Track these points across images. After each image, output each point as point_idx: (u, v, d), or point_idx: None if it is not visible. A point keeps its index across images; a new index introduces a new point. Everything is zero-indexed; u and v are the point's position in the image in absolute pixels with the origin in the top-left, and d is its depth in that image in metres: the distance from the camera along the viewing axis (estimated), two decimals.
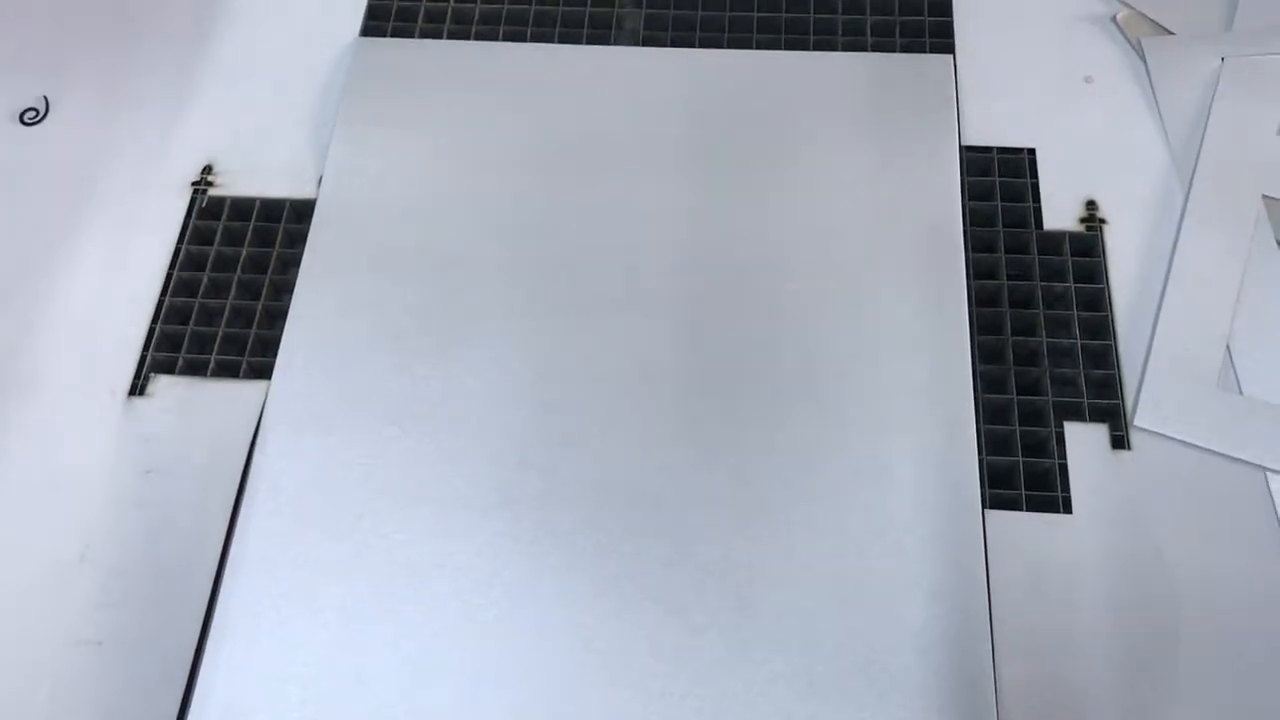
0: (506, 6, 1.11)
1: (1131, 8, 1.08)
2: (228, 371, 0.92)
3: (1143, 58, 1.05)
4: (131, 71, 1.08)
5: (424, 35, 1.10)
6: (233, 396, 0.91)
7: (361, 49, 1.07)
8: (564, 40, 1.09)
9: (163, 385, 0.92)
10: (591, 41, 1.09)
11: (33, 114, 1.05)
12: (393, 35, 1.10)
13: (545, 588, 0.82)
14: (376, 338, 0.92)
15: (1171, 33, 1.06)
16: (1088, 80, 1.05)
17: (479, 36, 1.09)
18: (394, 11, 1.11)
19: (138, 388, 0.92)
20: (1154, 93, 1.03)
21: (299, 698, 0.79)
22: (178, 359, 0.93)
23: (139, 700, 0.80)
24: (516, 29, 1.10)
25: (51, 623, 0.83)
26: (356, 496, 0.86)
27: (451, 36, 1.10)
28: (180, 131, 1.05)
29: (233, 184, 1.01)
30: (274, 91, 1.07)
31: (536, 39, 1.09)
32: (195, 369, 0.93)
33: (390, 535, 0.84)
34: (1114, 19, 1.08)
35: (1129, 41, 1.06)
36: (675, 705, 0.78)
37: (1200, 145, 1.00)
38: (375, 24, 1.10)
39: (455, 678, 0.80)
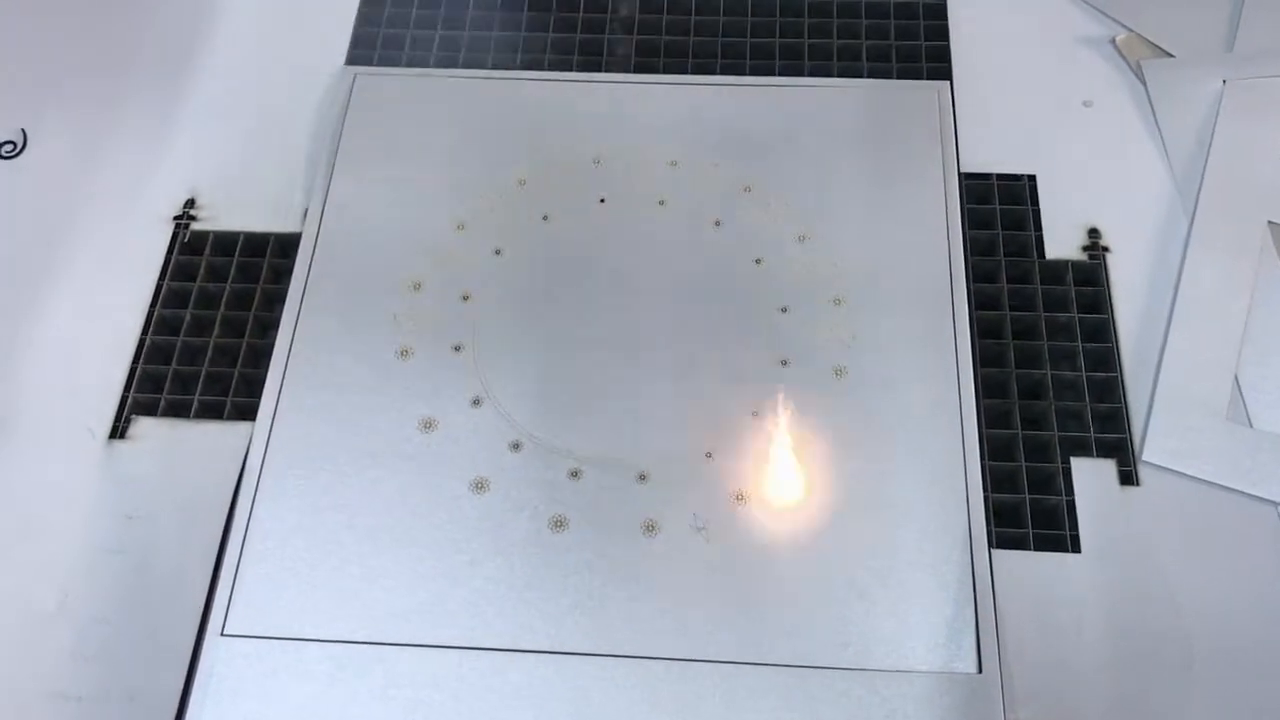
0: (495, 34, 1.09)
1: (1131, 30, 1.06)
2: (211, 412, 0.90)
3: (1143, 81, 1.03)
4: (112, 103, 1.05)
5: (411, 64, 1.07)
6: (216, 439, 0.88)
7: (360, 80, 1.05)
8: (554, 68, 1.07)
9: (144, 427, 0.89)
10: (582, 69, 1.07)
11: (10, 147, 1.03)
12: (379, 64, 1.07)
13: (538, 634, 0.80)
14: (364, 377, 0.89)
15: (1172, 55, 1.05)
16: (1087, 104, 1.03)
17: (467, 64, 1.07)
18: (380, 40, 1.09)
19: (118, 430, 0.89)
20: (1155, 117, 1.01)
21: None
22: (159, 400, 0.90)
23: None
24: (505, 56, 1.08)
25: (28, 676, 0.80)
26: (344, 541, 0.83)
27: (439, 65, 1.07)
28: (161, 164, 1.02)
29: (215, 218, 0.99)
30: (257, 123, 1.04)
31: (526, 66, 1.07)
32: (177, 410, 0.90)
33: (379, 581, 0.82)
34: (1113, 41, 1.06)
35: (1129, 64, 1.05)
36: None
37: (1203, 170, 0.98)
38: (360, 52, 1.08)
39: None
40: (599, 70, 1.07)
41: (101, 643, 0.81)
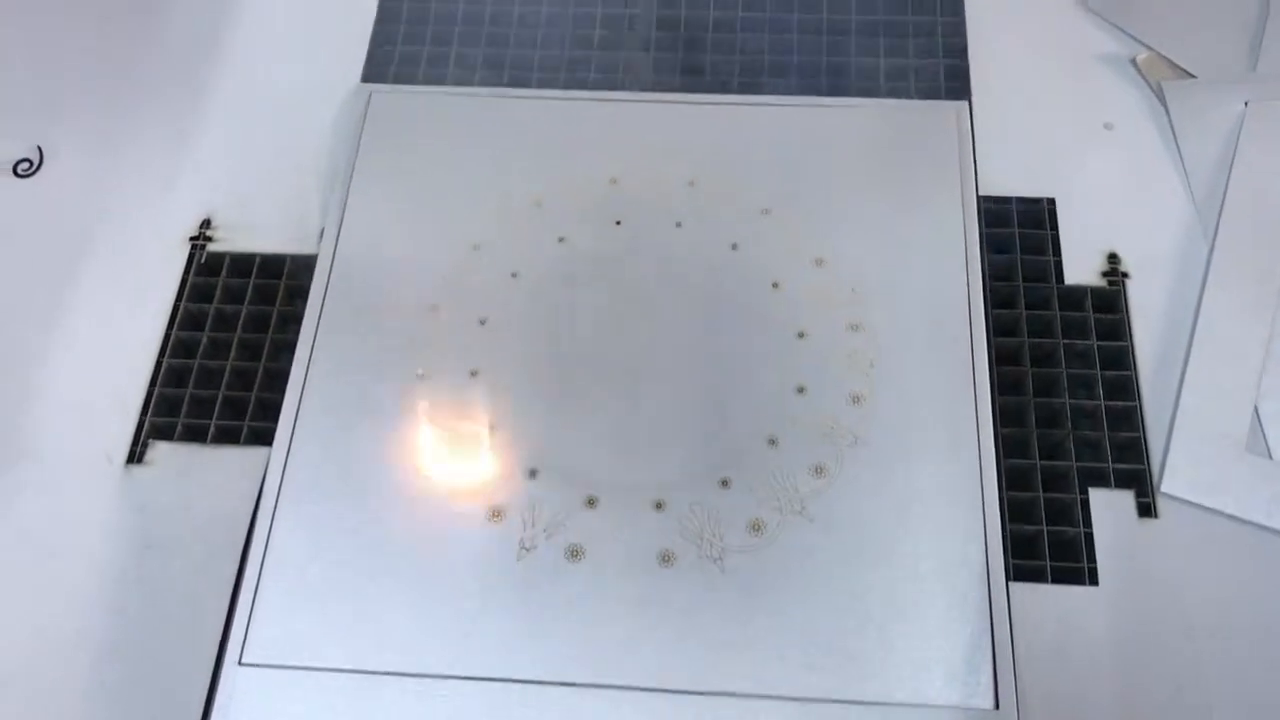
0: (511, 51, 1.08)
1: (1152, 49, 1.05)
2: (228, 437, 0.90)
3: (1164, 103, 1.02)
4: (128, 121, 1.05)
5: (427, 81, 1.07)
6: (233, 464, 0.89)
7: (376, 98, 1.04)
8: (569, 86, 1.07)
9: (161, 452, 0.89)
10: (598, 87, 1.06)
11: (26, 165, 1.03)
12: (395, 82, 1.07)
13: (555, 665, 0.80)
14: (381, 403, 0.89)
15: (1193, 76, 1.04)
16: (1108, 126, 1.02)
17: (482, 82, 1.07)
18: (396, 57, 1.08)
19: (136, 455, 0.89)
20: (1176, 139, 1.01)
21: None
22: (176, 424, 0.90)
23: None
24: (521, 74, 1.07)
25: (47, 706, 0.80)
26: (361, 570, 0.83)
27: (455, 82, 1.07)
28: (178, 183, 1.02)
29: (232, 239, 0.99)
30: (273, 142, 1.04)
31: (541, 84, 1.07)
32: (195, 434, 0.90)
33: (396, 609, 0.82)
34: (1134, 61, 1.05)
35: (1149, 85, 1.04)
36: None
37: (1224, 194, 0.97)
38: (376, 70, 1.08)
39: None
40: (616, 89, 1.06)
41: (120, 672, 0.81)
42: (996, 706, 0.77)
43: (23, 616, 0.83)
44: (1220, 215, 0.96)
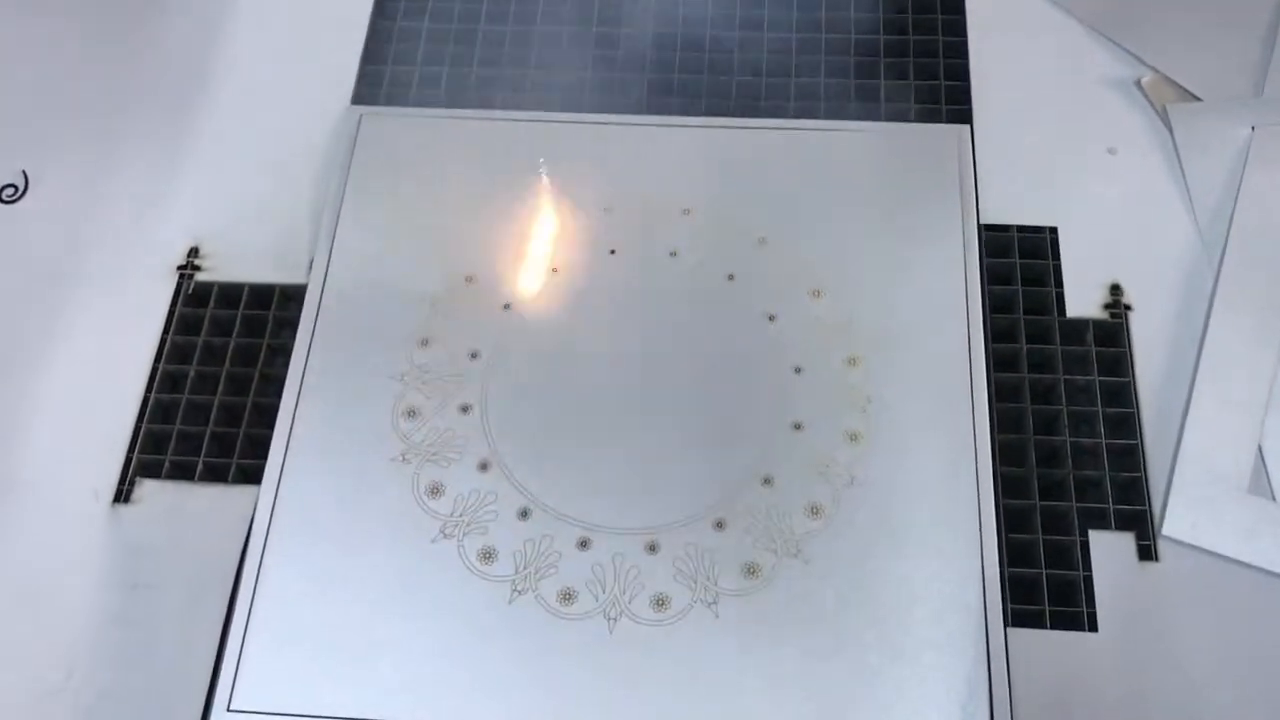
0: (503, 72, 1.06)
1: (1157, 71, 1.03)
2: (216, 475, 0.89)
3: (1168, 126, 1.00)
4: (114, 147, 1.03)
5: (419, 102, 1.05)
6: (222, 503, 0.87)
7: (366, 120, 1.02)
8: (565, 108, 1.05)
9: (149, 490, 0.88)
10: (593, 109, 1.05)
11: (11, 190, 1.01)
12: (385, 103, 1.05)
13: (546, 712, 0.79)
14: (371, 440, 0.88)
15: (1199, 99, 1.02)
16: (1111, 152, 1.00)
17: (475, 104, 1.05)
18: (386, 78, 1.06)
19: (123, 494, 0.88)
20: (1181, 165, 0.99)
21: None
22: (164, 461, 0.89)
23: None
24: (514, 95, 1.05)
25: None
26: (351, 614, 0.82)
27: (448, 104, 1.05)
28: (166, 210, 1.00)
29: (219, 268, 0.97)
30: (262, 166, 1.02)
31: (535, 106, 1.05)
32: (182, 472, 0.89)
33: (386, 655, 0.81)
34: (1138, 84, 1.03)
35: (1154, 108, 1.02)
36: None
37: (1230, 223, 0.95)
38: (367, 91, 1.06)
39: None
40: (610, 111, 1.04)
41: (108, 717, 0.80)
42: None
43: (11, 661, 0.82)
44: (1225, 245, 0.94)
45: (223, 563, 0.85)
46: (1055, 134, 1.01)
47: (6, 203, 1.01)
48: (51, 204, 1.01)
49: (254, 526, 0.85)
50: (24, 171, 1.02)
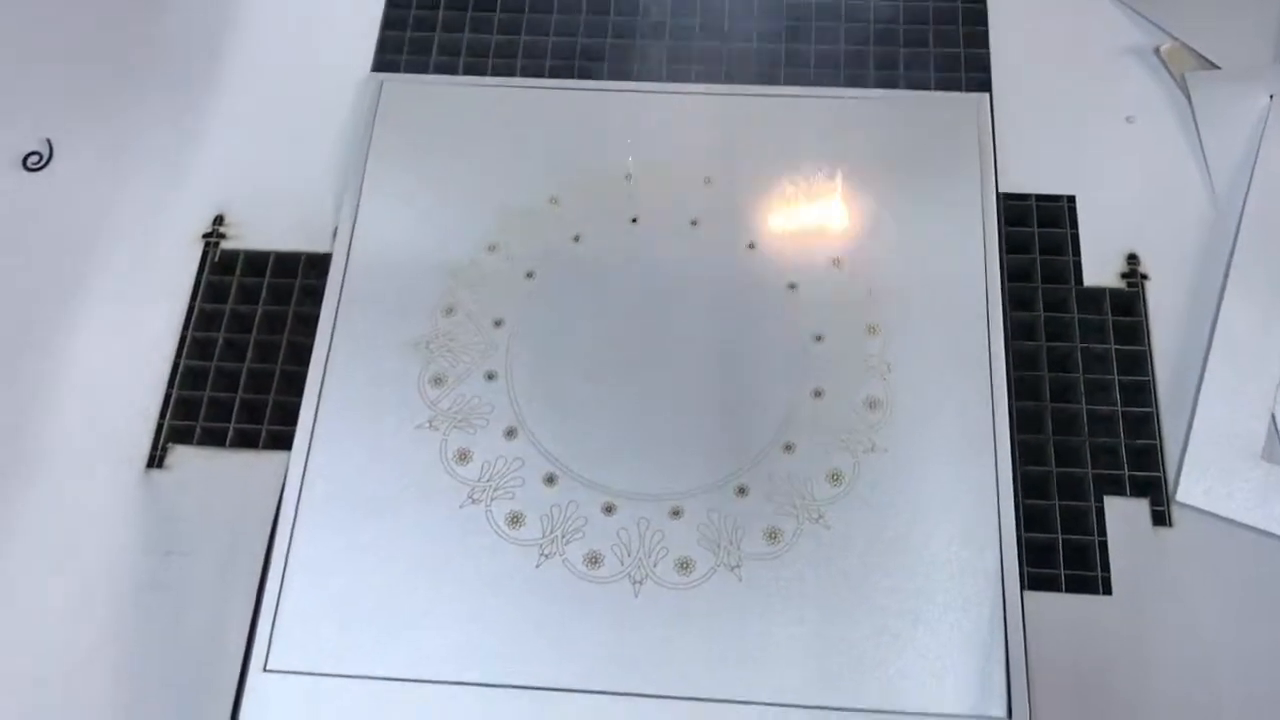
0: (523, 38, 1.07)
1: (1176, 39, 1.03)
2: (246, 441, 0.90)
3: (1187, 95, 1.01)
4: (137, 114, 1.04)
5: (438, 69, 1.06)
6: (253, 468, 0.89)
7: (387, 87, 1.03)
8: (582, 74, 1.05)
9: (180, 456, 0.90)
10: (612, 75, 1.05)
11: (36, 158, 1.02)
12: (406, 70, 1.06)
13: (572, 672, 0.81)
14: (398, 407, 0.90)
15: (1218, 67, 1.02)
16: (1129, 120, 1.01)
17: (495, 70, 1.05)
18: (406, 44, 1.07)
19: (155, 459, 0.89)
20: (1199, 133, 0.99)
21: None
22: (195, 428, 0.91)
23: None
24: (534, 62, 1.06)
25: (76, 712, 0.81)
26: (382, 576, 0.84)
27: (467, 70, 1.05)
28: (190, 178, 1.01)
29: (244, 236, 0.98)
30: (285, 134, 1.03)
31: (555, 72, 1.05)
32: (214, 438, 0.90)
33: (417, 616, 0.83)
34: (1157, 52, 1.03)
35: (1173, 77, 1.02)
36: None
37: (1247, 191, 0.96)
38: (387, 58, 1.06)
39: None
40: (630, 78, 1.04)
41: (146, 680, 0.82)
42: (1010, 715, 0.79)
43: (45, 623, 0.84)
44: (1242, 213, 0.95)
45: (256, 527, 0.87)
46: (1074, 102, 1.02)
47: (32, 170, 1.01)
48: (76, 173, 1.02)
49: (285, 492, 0.87)
50: (48, 140, 1.03)
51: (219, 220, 0.99)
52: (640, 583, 0.84)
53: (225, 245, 0.98)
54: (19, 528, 0.87)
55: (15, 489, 0.88)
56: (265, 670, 0.82)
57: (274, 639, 0.83)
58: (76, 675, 0.82)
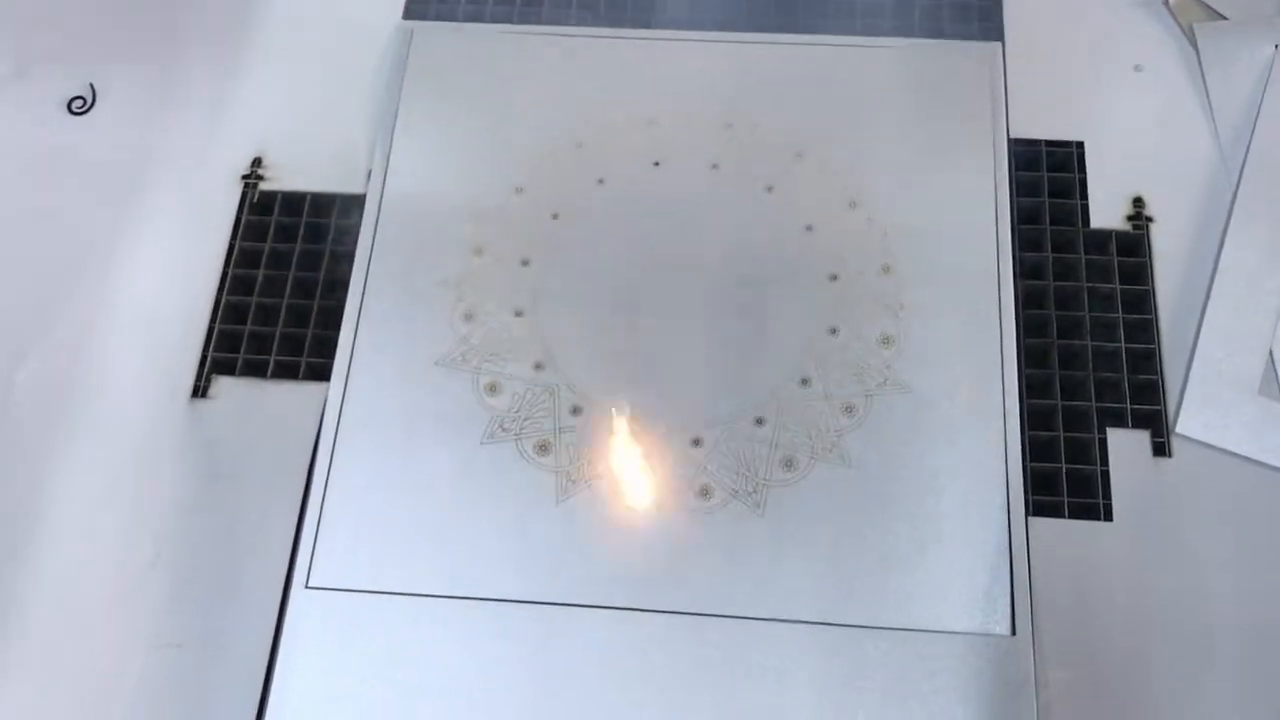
0: None
1: None
2: (287, 373, 0.94)
3: (1194, 45, 1.04)
4: (175, 61, 1.07)
5: (467, 16, 1.09)
6: (294, 398, 0.93)
7: (418, 35, 1.06)
8: (608, 21, 1.08)
9: (224, 387, 0.94)
10: (636, 23, 1.08)
11: (80, 102, 1.05)
12: (436, 17, 1.09)
13: (601, 591, 0.85)
14: (430, 342, 0.94)
15: (1225, 18, 1.05)
16: (1137, 69, 1.04)
17: (521, 18, 1.09)
18: None
19: (200, 390, 0.94)
20: (1205, 82, 1.02)
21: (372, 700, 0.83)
22: (237, 359, 0.95)
23: (218, 702, 0.83)
24: (559, 10, 1.09)
25: (130, 626, 0.86)
26: (418, 499, 0.88)
27: (494, 18, 1.09)
28: (228, 122, 1.05)
29: (282, 178, 1.02)
30: (319, 79, 1.06)
31: (580, 20, 1.08)
32: (255, 369, 0.95)
33: (451, 537, 0.87)
34: (1165, 2, 1.06)
35: (1180, 27, 1.05)
36: None
37: (1250, 139, 0.99)
38: (418, 6, 1.09)
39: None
40: (653, 26, 1.08)
41: (196, 595, 0.87)
42: (1013, 633, 0.83)
43: (100, 545, 0.89)
44: (1245, 160, 0.98)
45: (296, 453, 0.91)
46: (1084, 51, 1.05)
47: (77, 114, 1.05)
48: (119, 115, 1.05)
49: (324, 420, 0.91)
50: (91, 84, 1.06)
51: (257, 163, 1.03)
52: (661, 507, 0.88)
53: (264, 186, 1.02)
54: (73, 454, 0.92)
55: (69, 419, 0.93)
56: (307, 587, 0.86)
57: (315, 558, 0.87)
58: (131, 596, 0.87)
